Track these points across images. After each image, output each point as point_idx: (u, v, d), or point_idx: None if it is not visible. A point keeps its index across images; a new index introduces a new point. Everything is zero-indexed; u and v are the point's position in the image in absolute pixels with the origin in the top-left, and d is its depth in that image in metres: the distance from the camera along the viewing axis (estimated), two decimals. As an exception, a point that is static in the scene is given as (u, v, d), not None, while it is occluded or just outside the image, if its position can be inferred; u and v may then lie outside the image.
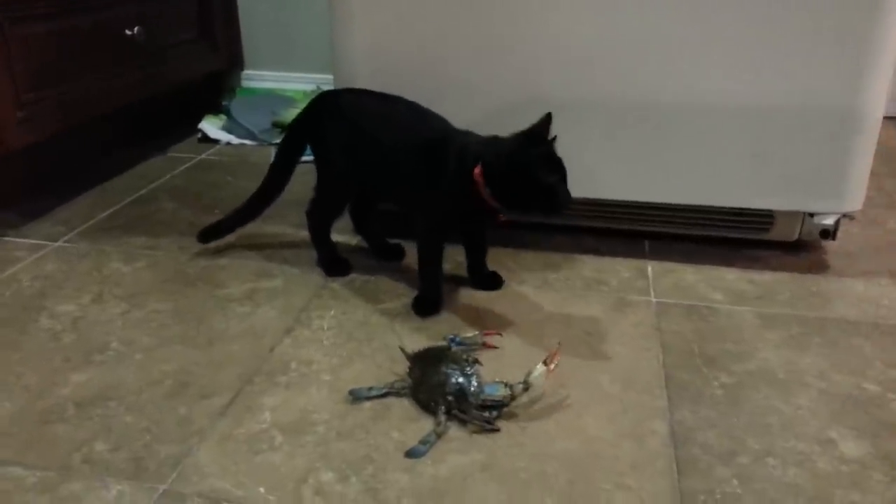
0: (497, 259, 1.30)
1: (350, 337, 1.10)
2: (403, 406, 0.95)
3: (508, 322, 1.13)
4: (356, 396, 0.96)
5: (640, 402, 0.96)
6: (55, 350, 1.06)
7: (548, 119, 1.04)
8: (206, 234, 1.33)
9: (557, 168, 1.03)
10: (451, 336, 1.04)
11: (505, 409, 0.92)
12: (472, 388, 0.92)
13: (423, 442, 0.88)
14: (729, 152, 1.23)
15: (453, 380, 0.92)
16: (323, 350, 1.07)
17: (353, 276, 1.27)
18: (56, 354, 1.05)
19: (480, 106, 1.27)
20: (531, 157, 1.01)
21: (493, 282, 1.24)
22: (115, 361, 1.04)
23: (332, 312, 1.16)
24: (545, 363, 0.92)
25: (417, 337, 1.09)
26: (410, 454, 0.87)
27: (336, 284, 1.24)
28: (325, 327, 1.12)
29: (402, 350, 1.01)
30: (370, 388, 0.97)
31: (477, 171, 1.05)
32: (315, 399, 0.96)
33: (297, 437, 0.90)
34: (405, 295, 1.20)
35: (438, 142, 1.11)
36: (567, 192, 1.03)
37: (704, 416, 0.93)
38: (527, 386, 0.91)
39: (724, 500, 0.81)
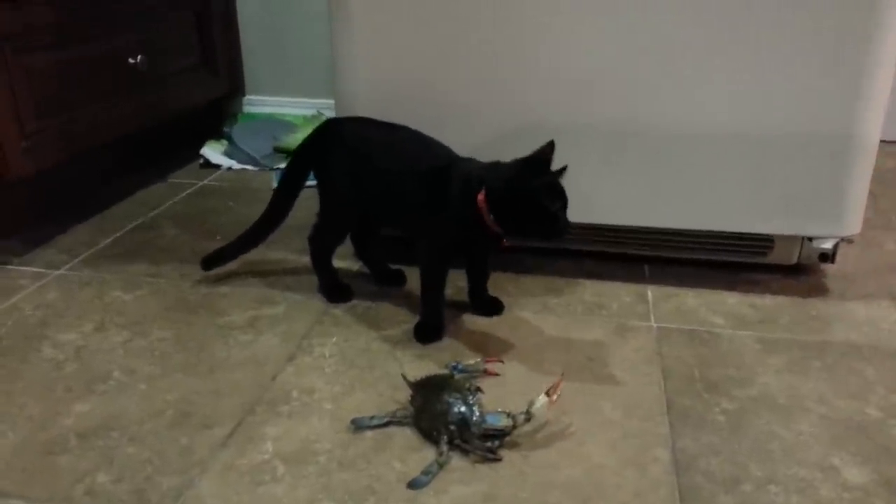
0: (497, 284, 1.31)
1: (352, 364, 1.10)
2: (405, 435, 0.95)
3: (509, 348, 1.14)
4: (358, 426, 0.96)
5: (642, 429, 0.96)
6: (57, 379, 1.07)
7: (550, 147, 1.05)
8: (209, 261, 1.34)
9: (559, 195, 1.04)
10: (454, 363, 1.05)
11: (507, 439, 0.92)
12: (475, 418, 0.92)
13: (425, 472, 0.88)
14: (728, 177, 1.24)
15: (455, 409, 0.92)
16: (325, 378, 1.07)
17: (354, 302, 1.27)
18: (58, 384, 1.06)
19: (481, 132, 1.28)
20: (534, 184, 1.02)
21: (493, 307, 1.24)
22: (117, 391, 1.04)
23: (334, 339, 1.16)
24: (548, 393, 0.92)
25: (419, 364, 1.09)
26: (413, 485, 0.87)
27: (338, 311, 1.24)
28: (327, 355, 1.12)
29: (405, 378, 1.01)
30: (372, 418, 0.97)
31: (481, 196, 1.06)
32: (317, 428, 0.96)
33: (299, 468, 0.90)
34: (407, 321, 1.20)
35: (442, 168, 1.12)
36: (567, 220, 1.05)
37: (707, 443, 0.93)
38: (529, 416, 0.91)
39: (728, 528, 0.81)
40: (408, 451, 0.92)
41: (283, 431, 0.96)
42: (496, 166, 1.09)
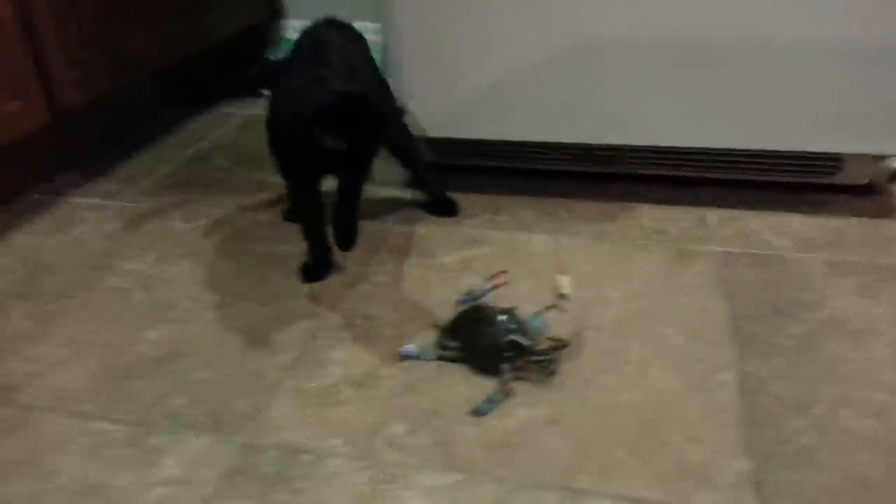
0: (549, 209, 1.29)
1: (409, 292, 1.10)
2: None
3: (564, 273, 1.12)
4: (406, 355, 0.95)
5: (707, 354, 0.95)
6: (126, 308, 1.10)
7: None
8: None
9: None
10: (462, 297, 1.02)
11: (564, 349, 0.93)
12: (526, 337, 0.91)
13: (489, 400, 0.88)
14: (795, 91, 1.18)
15: (504, 337, 0.91)
16: (384, 305, 1.08)
17: (410, 230, 1.27)
18: (127, 312, 1.09)
19: (529, 47, 1.23)
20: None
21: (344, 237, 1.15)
22: (185, 318, 1.07)
23: (390, 267, 1.17)
24: (561, 273, 0.96)
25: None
26: (477, 412, 0.87)
27: (394, 240, 1.24)
28: (385, 282, 1.13)
29: (437, 327, 0.99)
30: (420, 351, 0.96)
31: None
32: (380, 354, 0.98)
33: (366, 391, 0.92)
34: (462, 250, 1.20)
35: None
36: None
37: (775, 367, 0.92)
38: (563, 296, 0.94)
39: (799, 451, 0.81)
40: (471, 376, 0.93)
41: (348, 356, 0.98)
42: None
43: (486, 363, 0.93)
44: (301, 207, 1.15)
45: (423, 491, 0.78)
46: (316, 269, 1.15)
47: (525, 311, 0.96)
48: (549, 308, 0.93)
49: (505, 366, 0.91)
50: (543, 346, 0.92)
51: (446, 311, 1.05)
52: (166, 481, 0.80)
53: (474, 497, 0.77)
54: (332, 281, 1.14)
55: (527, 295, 1.07)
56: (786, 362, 0.93)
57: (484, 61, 1.25)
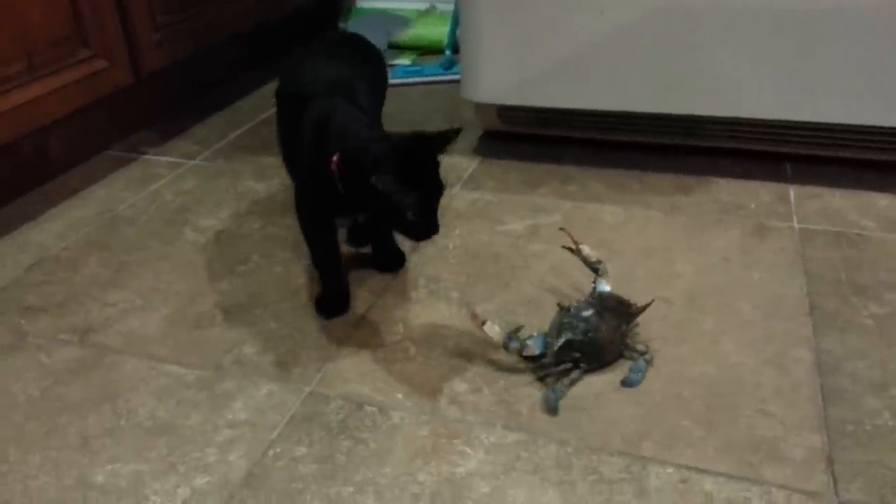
0: (621, 181, 1.26)
1: (475, 256, 1.10)
2: (531, 325, 0.92)
3: (637, 247, 1.10)
4: (551, 405, 0.83)
5: (783, 330, 0.92)
6: (201, 261, 1.13)
7: (453, 134, 0.86)
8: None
9: (417, 186, 0.83)
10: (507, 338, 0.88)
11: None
12: (627, 305, 0.91)
13: (636, 370, 0.86)
14: (889, 64, 1.12)
15: (612, 322, 0.88)
16: (449, 268, 1.08)
17: (475, 197, 1.26)
18: (202, 265, 1.12)
19: (611, 16, 1.20)
20: (372, 162, 0.81)
21: (394, 261, 1.09)
22: (257, 272, 1.09)
23: (457, 232, 1.16)
24: (577, 246, 0.96)
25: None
26: (628, 383, 0.85)
27: (459, 205, 1.24)
28: (451, 246, 1.13)
29: (545, 364, 0.88)
30: (553, 391, 0.84)
31: (335, 160, 0.87)
32: (445, 314, 0.98)
33: (430, 350, 0.92)
34: (530, 217, 1.19)
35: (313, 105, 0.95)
36: (431, 221, 0.85)
37: (853, 346, 0.89)
38: (598, 261, 0.95)
39: (875, 431, 0.77)
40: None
41: (413, 316, 0.98)
42: (362, 130, 0.89)
43: (616, 352, 0.89)
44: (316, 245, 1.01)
45: (482, 447, 0.78)
46: (339, 301, 1.01)
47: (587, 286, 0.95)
48: (599, 276, 0.92)
49: (627, 341, 0.90)
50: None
51: (511, 275, 1.04)
52: (234, 424, 0.83)
53: (535, 456, 0.77)
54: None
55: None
56: (865, 342, 0.89)
57: (563, 28, 1.23)
